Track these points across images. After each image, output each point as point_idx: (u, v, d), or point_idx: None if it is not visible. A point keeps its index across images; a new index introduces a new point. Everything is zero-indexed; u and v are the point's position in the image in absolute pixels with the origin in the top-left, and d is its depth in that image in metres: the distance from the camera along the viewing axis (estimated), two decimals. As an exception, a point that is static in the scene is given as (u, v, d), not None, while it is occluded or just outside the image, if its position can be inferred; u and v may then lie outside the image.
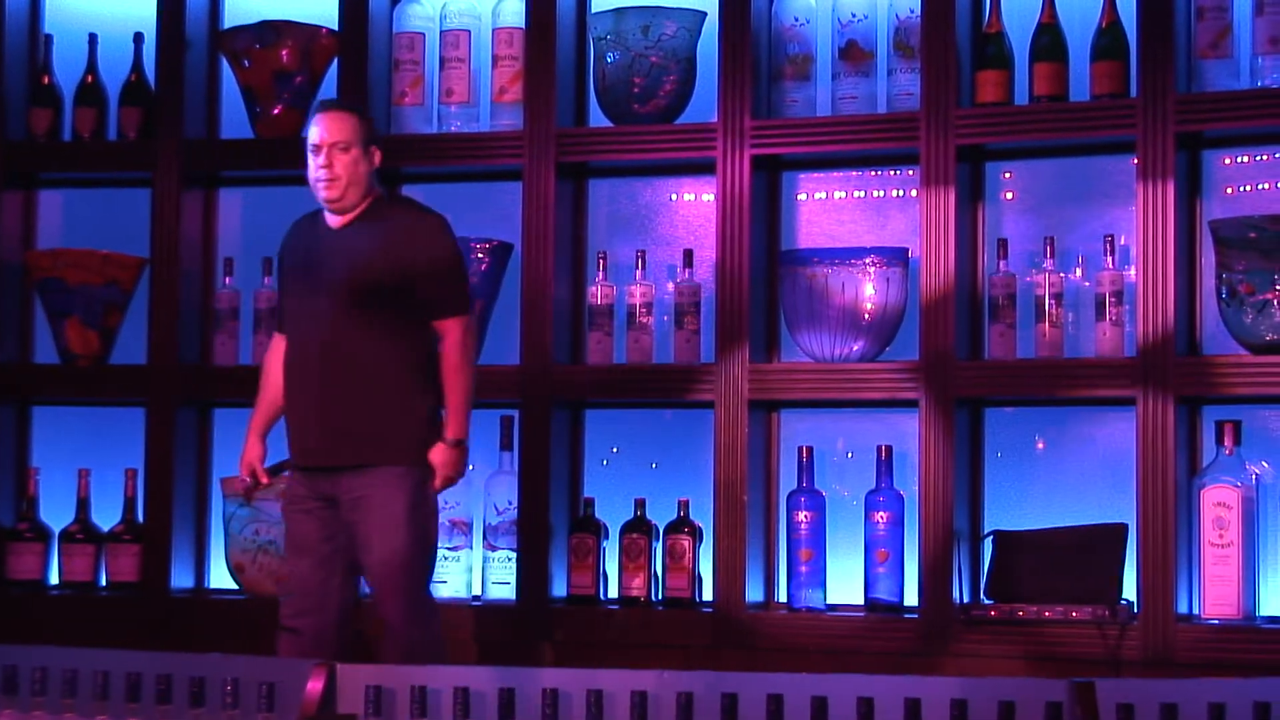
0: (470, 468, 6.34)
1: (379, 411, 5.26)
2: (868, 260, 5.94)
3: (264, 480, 5.51)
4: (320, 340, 5.28)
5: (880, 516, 5.91)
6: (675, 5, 6.20)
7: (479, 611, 6.15)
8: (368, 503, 5.22)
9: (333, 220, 5.37)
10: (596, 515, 6.14)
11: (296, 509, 5.35)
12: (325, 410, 5.27)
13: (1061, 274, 5.87)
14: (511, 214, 6.32)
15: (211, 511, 6.61)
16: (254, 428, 5.51)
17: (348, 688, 4.03)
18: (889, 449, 5.95)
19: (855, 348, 5.95)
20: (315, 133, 5.33)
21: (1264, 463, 5.71)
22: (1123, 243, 5.85)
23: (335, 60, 6.50)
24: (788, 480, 6.10)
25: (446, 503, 6.20)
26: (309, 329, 5.31)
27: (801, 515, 5.97)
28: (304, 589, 5.31)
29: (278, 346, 5.51)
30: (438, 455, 5.31)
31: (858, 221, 6.27)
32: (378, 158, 5.40)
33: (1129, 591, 5.67)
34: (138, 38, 6.71)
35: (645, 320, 6.19)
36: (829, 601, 5.99)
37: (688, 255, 6.22)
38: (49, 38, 6.80)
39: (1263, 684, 3.85)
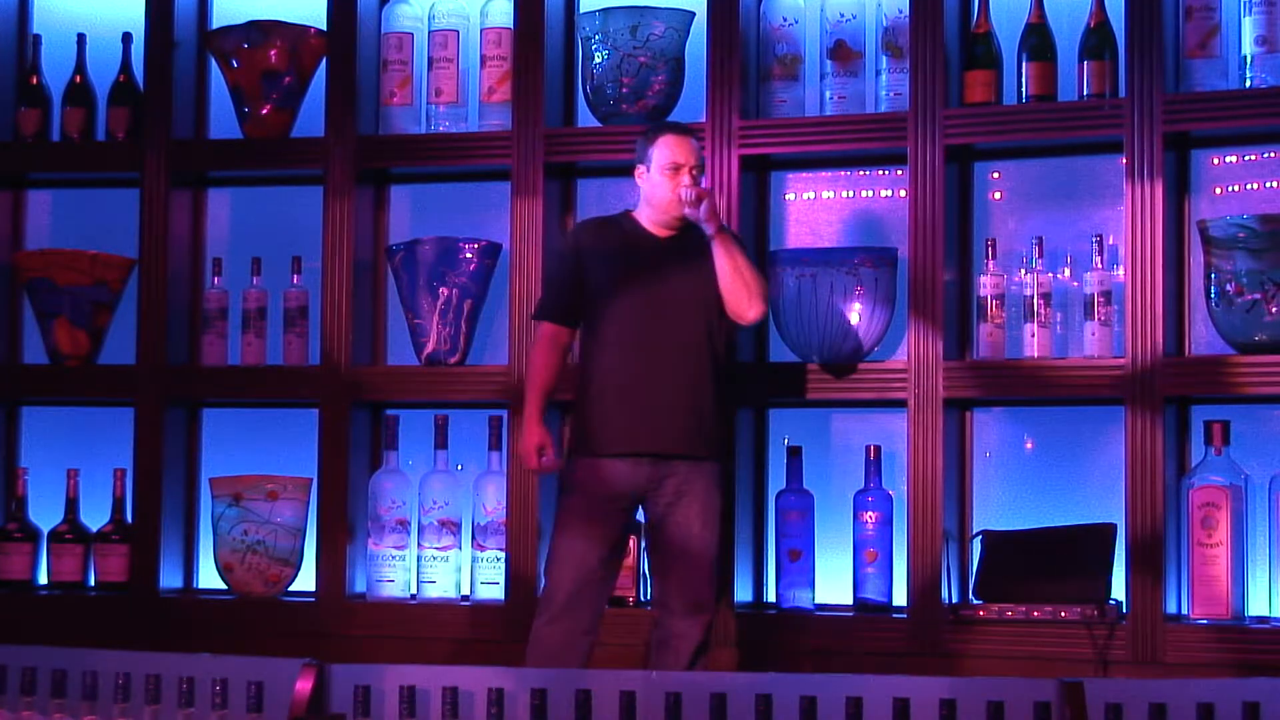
0: (460, 467, 6.36)
1: (714, 409, 5.52)
2: (856, 260, 5.93)
3: (557, 461, 5.61)
4: (675, 335, 5.47)
5: (869, 516, 5.92)
6: (664, 5, 6.20)
7: (468, 611, 6.15)
8: (693, 491, 5.45)
9: (660, 230, 5.57)
10: (585, 515, 6.14)
11: (598, 498, 5.46)
12: (678, 402, 5.45)
13: (1050, 274, 5.87)
14: (500, 214, 6.32)
15: (200, 511, 6.60)
16: (535, 414, 5.60)
17: (336, 687, 4.03)
18: (878, 449, 5.95)
19: (844, 348, 5.95)
20: (676, 154, 5.50)
21: (1253, 463, 5.72)
22: (1111, 243, 5.85)
23: (324, 60, 6.50)
24: (776, 480, 6.10)
25: (435, 503, 6.21)
26: (659, 322, 5.48)
27: (790, 515, 5.97)
28: (588, 581, 5.43)
29: (554, 338, 5.63)
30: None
31: (846, 221, 6.27)
32: None
33: (1118, 591, 5.68)
34: (126, 38, 6.71)
35: (634, 320, 6.20)
36: (817, 601, 6.00)
37: (677, 255, 6.22)
38: (37, 38, 6.79)
39: (1252, 684, 3.85)
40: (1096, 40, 5.82)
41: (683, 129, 5.59)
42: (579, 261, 5.58)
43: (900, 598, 5.86)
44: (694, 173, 5.50)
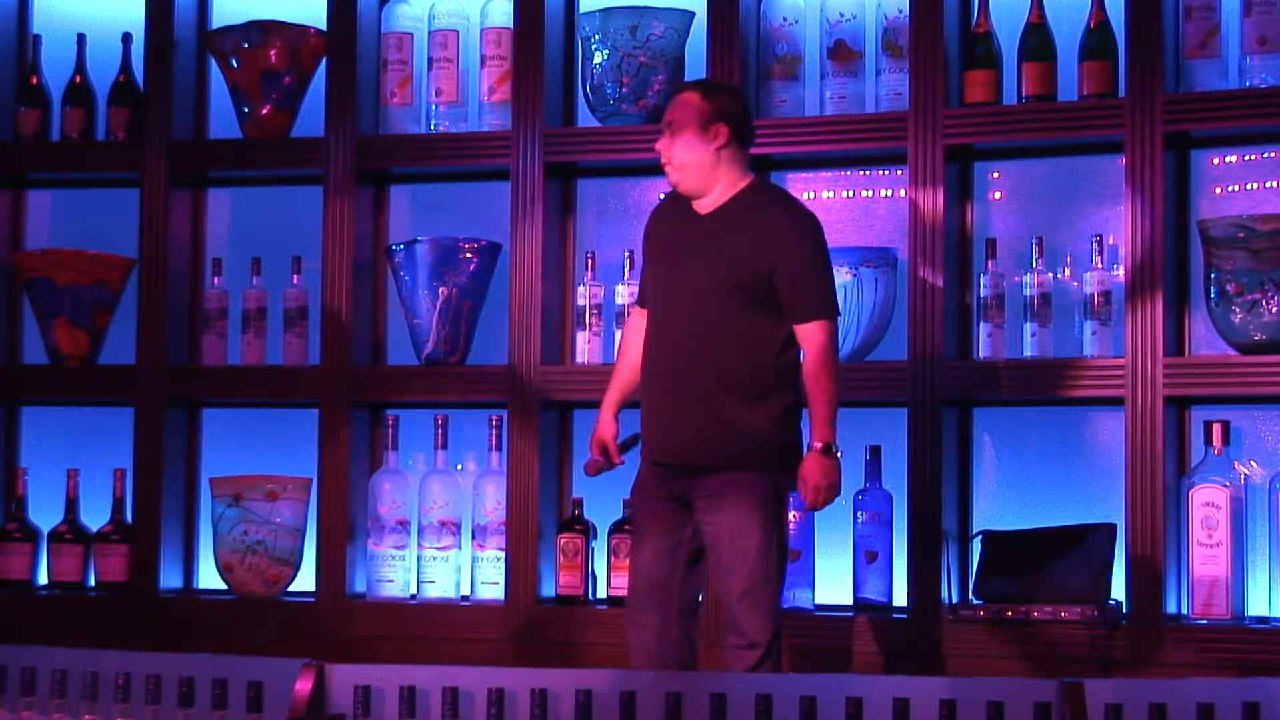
0: (460, 467, 6.35)
1: (737, 413, 5.04)
2: (856, 260, 5.93)
3: (616, 460, 5.32)
4: (684, 332, 5.07)
5: (869, 516, 5.91)
6: (664, 5, 6.19)
7: (468, 611, 6.15)
8: (721, 506, 5.03)
9: (700, 205, 5.16)
10: (585, 515, 6.13)
11: (644, 498, 5.17)
12: (686, 408, 5.06)
13: (1050, 274, 5.87)
14: (500, 214, 6.31)
15: (200, 511, 6.60)
16: (608, 403, 5.31)
17: (336, 687, 4.03)
18: (878, 449, 5.95)
19: (843, 348, 5.94)
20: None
21: (1253, 463, 5.72)
22: (1111, 243, 5.85)
23: (324, 60, 6.49)
24: (776, 480, 6.10)
25: (435, 503, 6.21)
26: (672, 318, 5.11)
27: (790, 515, 5.96)
28: (649, 580, 5.12)
29: (639, 323, 5.30)
30: (809, 466, 5.08)
31: (846, 221, 6.27)
32: (724, 136, 5.13)
33: (1118, 592, 5.68)
34: (126, 38, 6.71)
35: (634, 320, 6.18)
36: (817, 601, 5.99)
37: (677, 255, 6.20)
38: (37, 38, 6.79)
39: (1252, 684, 3.86)
40: (1096, 40, 5.82)
41: (682, 86, 5.34)
42: (646, 243, 5.31)
43: (900, 598, 5.86)
44: (668, 133, 5.15)
